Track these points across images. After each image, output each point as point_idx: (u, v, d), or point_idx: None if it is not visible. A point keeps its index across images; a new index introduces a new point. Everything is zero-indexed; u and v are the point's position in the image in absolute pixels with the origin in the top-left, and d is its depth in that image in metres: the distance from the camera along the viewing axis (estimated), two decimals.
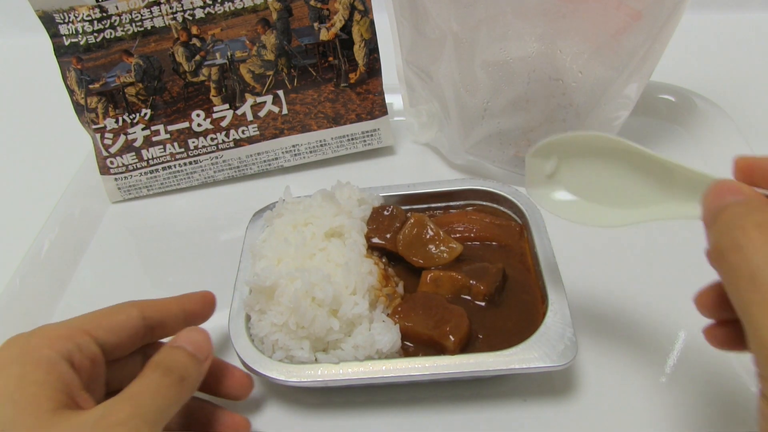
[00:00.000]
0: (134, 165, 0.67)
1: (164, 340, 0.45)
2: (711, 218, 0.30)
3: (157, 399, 0.35)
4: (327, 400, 0.47)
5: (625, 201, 0.38)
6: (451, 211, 0.57)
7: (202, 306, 0.46)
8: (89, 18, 0.59)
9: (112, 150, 0.65)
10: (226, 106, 0.65)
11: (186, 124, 0.65)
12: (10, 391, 0.33)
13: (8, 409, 0.33)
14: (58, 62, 0.61)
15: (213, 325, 0.45)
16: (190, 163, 0.68)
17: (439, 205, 0.57)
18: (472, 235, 0.52)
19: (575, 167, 0.40)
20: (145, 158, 0.66)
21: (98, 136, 0.64)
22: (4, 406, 0.33)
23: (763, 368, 0.27)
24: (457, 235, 0.52)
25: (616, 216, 0.39)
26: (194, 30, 0.62)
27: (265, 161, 0.69)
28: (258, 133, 0.67)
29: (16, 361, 0.35)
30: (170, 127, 0.65)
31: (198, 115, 0.65)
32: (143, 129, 0.65)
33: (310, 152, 0.70)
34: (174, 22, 0.61)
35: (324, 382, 0.43)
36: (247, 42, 0.63)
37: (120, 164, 0.66)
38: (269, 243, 0.49)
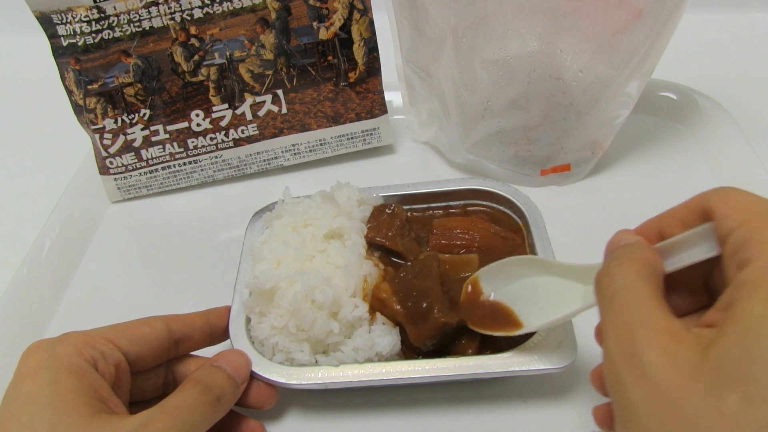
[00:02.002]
0: (134, 165, 0.66)
1: (195, 353, 0.46)
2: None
3: (193, 415, 0.37)
4: (327, 402, 0.47)
5: (556, 306, 0.41)
6: (452, 211, 0.57)
7: (226, 320, 0.46)
8: (87, 19, 0.59)
9: (112, 150, 0.65)
10: (226, 105, 0.65)
11: (185, 124, 0.65)
12: (46, 396, 0.34)
13: (46, 413, 0.34)
14: (57, 63, 0.61)
15: None
16: (190, 162, 0.68)
17: (438, 204, 0.57)
18: (475, 245, 0.52)
19: (509, 292, 0.44)
20: (145, 158, 0.66)
21: (97, 136, 0.64)
22: (43, 410, 0.34)
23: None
24: (459, 242, 0.52)
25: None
26: (193, 30, 0.61)
27: (264, 161, 0.69)
28: (257, 132, 0.67)
29: (47, 368, 0.36)
30: (169, 127, 0.65)
31: (197, 115, 0.65)
32: (142, 129, 0.65)
33: (310, 151, 0.70)
34: (172, 22, 0.61)
35: (324, 384, 0.43)
36: (246, 42, 0.63)
37: (119, 164, 0.66)
38: (269, 245, 0.49)
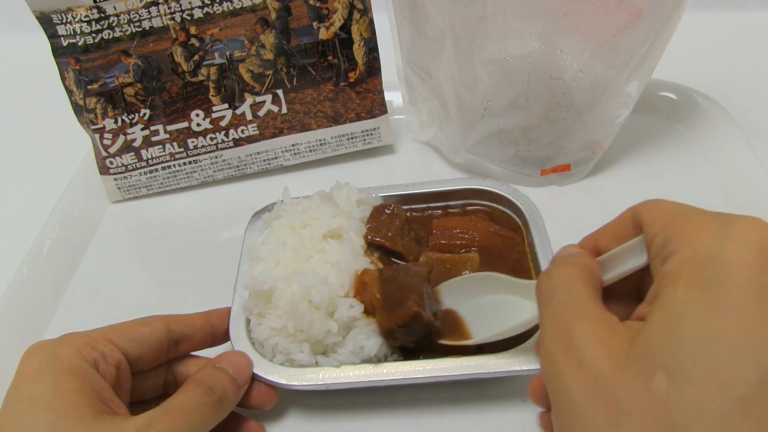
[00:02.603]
0: (134, 165, 0.66)
1: (196, 353, 0.46)
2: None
3: (195, 416, 0.37)
4: (328, 402, 0.47)
5: (505, 321, 0.43)
6: (451, 211, 0.57)
7: (227, 321, 0.46)
8: (87, 19, 0.59)
9: (112, 150, 0.65)
10: (226, 105, 0.65)
11: (185, 124, 0.65)
12: (48, 398, 0.34)
13: (48, 414, 0.34)
14: (57, 63, 0.61)
15: None
16: (190, 162, 0.68)
17: (437, 204, 0.57)
18: (475, 245, 0.52)
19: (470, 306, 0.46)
20: (145, 158, 0.66)
21: (97, 136, 0.64)
22: (44, 411, 0.34)
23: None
24: (459, 242, 0.52)
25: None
26: (193, 30, 0.61)
27: (264, 160, 0.69)
28: (257, 132, 0.67)
29: (48, 369, 0.36)
30: (169, 127, 0.65)
31: (197, 115, 0.65)
32: (142, 129, 0.65)
33: (310, 151, 0.70)
34: (172, 22, 0.61)
35: (326, 385, 0.43)
36: (246, 42, 0.63)
37: (119, 164, 0.66)
38: (267, 246, 0.49)
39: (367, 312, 0.45)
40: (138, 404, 0.42)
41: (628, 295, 0.34)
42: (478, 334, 0.44)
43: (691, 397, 0.23)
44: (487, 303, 0.45)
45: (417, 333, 0.43)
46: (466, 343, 0.43)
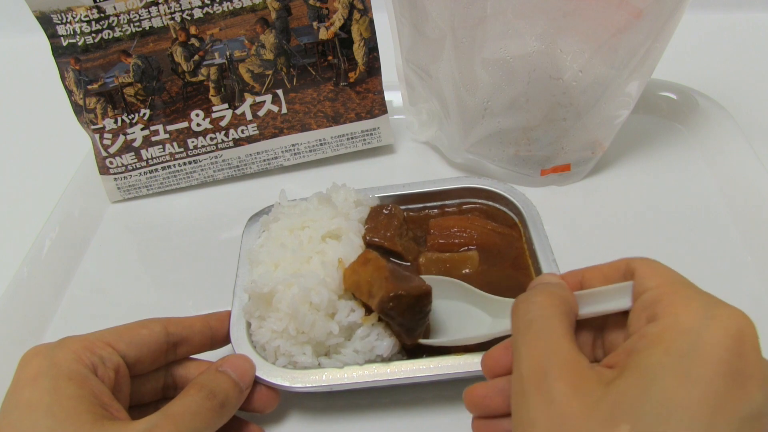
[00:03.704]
0: (133, 165, 0.66)
1: (196, 356, 0.46)
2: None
3: (196, 421, 0.37)
4: (330, 404, 0.47)
5: (460, 330, 0.46)
6: (448, 210, 0.57)
7: (227, 324, 0.46)
8: (87, 19, 0.59)
9: (112, 150, 0.65)
10: (226, 105, 0.65)
11: (185, 124, 0.65)
12: (47, 404, 0.34)
13: (48, 421, 0.34)
14: (57, 63, 0.61)
15: None
16: (190, 162, 0.68)
17: (434, 204, 0.57)
18: (473, 243, 0.52)
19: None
20: (145, 158, 0.66)
21: (97, 136, 0.64)
22: (43, 418, 0.34)
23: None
24: (457, 241, 0.52)
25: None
26: (193, 30, 0.61)
27: (264, 160, 0.69)
28: (257, 132, 0.67)
29: (46, 375, 0.36)
30: (169, 127, 0.65)
31: (197, 115, 0.65)
32: (142, 129, 0.65)
33: (310, 151, 0.70)
34: (172, 22, 0.61)
35: (329, 386, 0.43)
36: (246, 41, 0.63)
37: (119, 164, 0.66)
38: (266, 248, 0.49)
39: (361, 290, 0.44)
40: (137, 408, 0.42)
41: (587, 340, 0.35)
42: (434, 336, 0.45)
43: None
44: (448, 308, 0.46)
45: (418, 314, 0.43)
46: (425, 342, 0.44)
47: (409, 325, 0.43)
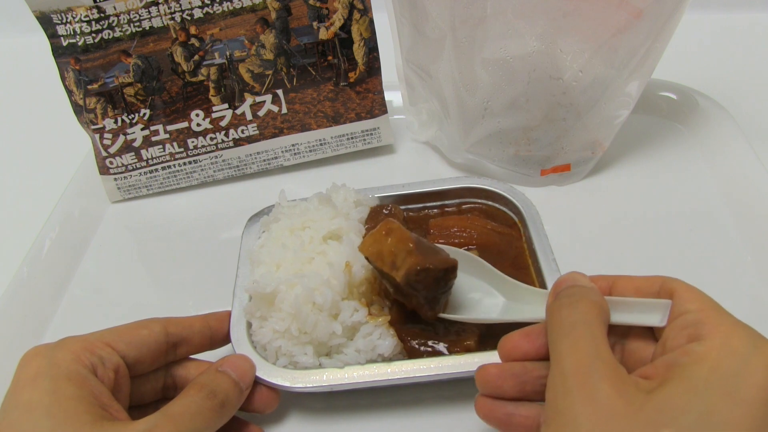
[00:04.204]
0: (134, 165, 0.66)
1: (195, 356, 0.45)
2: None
3: (197, 421, 0.37)
4: (331, 404, 0.47)
5: (472, 309, 0.46)
6: (447, 210, 0.57)
7: (227, 324, 0.46)
8: (87, 19, 0.59)
9: (112, 150, 0.65)
10: (226, 105, 0.65)
11: (185, 124, 0.65)
12: (46, 405, 0.34)
13: (47, 422, 0.34)
14: (57, 63, 0.61)
15: None
16: (190, 162, 0.68)
17: (434, 204, 0.57)
18: (473, 243, 0.52)
19: None
20: (145, 158, 0.66)
21: (97, 136, 0.64)
22: (43, 419, 0.34)
23: (546, 390, 0.32)
24: (457, 241, 0.52)
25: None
26: (193, 30, 0.61)
27: (264, 160, 0.69)
28: (257, 132, 0.67)
29: (46, 375, 0.36)
30: (169, 127, 0.65)
31: (197, 115, 0.65)
32: (142, 129, 0.65)
33: (310, 151, 0.70)
34: (172, 22, 0.61)
35: (330, 386, 0.42)
36: (246, 41, 0.63)
37: (119, 164, 0.66)
38: (267, 248, 0.49)
39: (383, 261, 0.43)
40: (137, 408, 0.42)
41: (615, 330, 0.36)
42: (451, 312, 0.45)
43: None
44: (464, 283, 0.46)
45: (443, 287, 0.43)
46: (445, 316, 0.44)
47: (432, 296, 0.43)
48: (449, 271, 0.42)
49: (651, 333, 0.35)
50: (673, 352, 0.31)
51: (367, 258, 0.45)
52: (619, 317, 0.35)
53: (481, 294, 0.46)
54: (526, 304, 0.44)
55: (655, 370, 0.31)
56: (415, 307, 0.44)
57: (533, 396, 0.36)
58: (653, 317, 0.34)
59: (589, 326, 0.33)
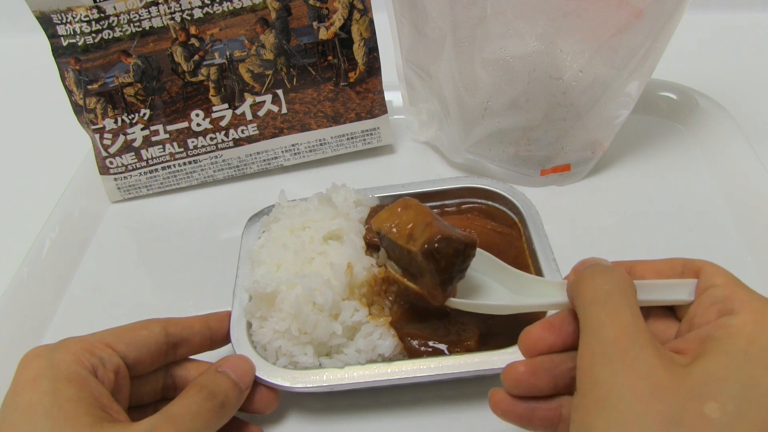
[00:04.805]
0: (134, 165, 0.66)
1: (195, 357, 0.45)
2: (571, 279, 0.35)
3: (196, 422, 0.37)
4: (331, 404, 0.47)
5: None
6: (447, 210, 0.57)
7: (227, 324, 0.46)
8: (87, 19, 0.59)
9: (112, 150, 0.65)
10: (226, 105, 0.65)
11: (185, 124, 0.65)
12: (46, 407, 0.34)
13: (47, 423, 0.34)
14: (57, 63, 0.61)
15: None
16: (190, 162, 0.68)
17: (433, 204, 0.57)
18: None
19: None
20: (145, 158, 0.66)
21: (97, 136, 0.64)
22: (43, 420, 0.34)
23: (578, 360, 0.30)
24: None
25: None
26: (193, 30, 0.61)
27: (264, 160, 0.69)
28: (257, 132, 0.67)
29: (45, 377, 0.36)
30: (169, 127, 0.65)
31: (197, 115, 0.65)
32: (142, 129, 0.65)
33: (310, 151, 0.70)
34: (172, 22, 0.61)
35: (330, 386, 0.42)
36: (246, 41, 0.63)
37: (119, 164, 0.66)
38: (267, 248, 0.49)
39: (400, 233, 0.41)
40: (136, 409, 0.42)
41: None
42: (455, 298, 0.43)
43: (735, 428, 0.26)
44: (468, 277, 0.44)
45: (461, 264, 0.41)
46: (456, 301, 0.42)
47: (448, 276, 0.41)
48: (469, 246, 0.40)
49: (672, 314, 0.35)
50: (703, 327, 0.31)
51: (377, 232, 0.43)
52: (646, 296, 0.34)
53: (486, 287, 0.44)
54: (536, 296, 0.41)
55: (687, 344, 0.30)
56: (425, 289, 0.42)
57: (564, 390, 0.34)
58: (680, 294, 0.34)
59: (625, 296, 0.32)
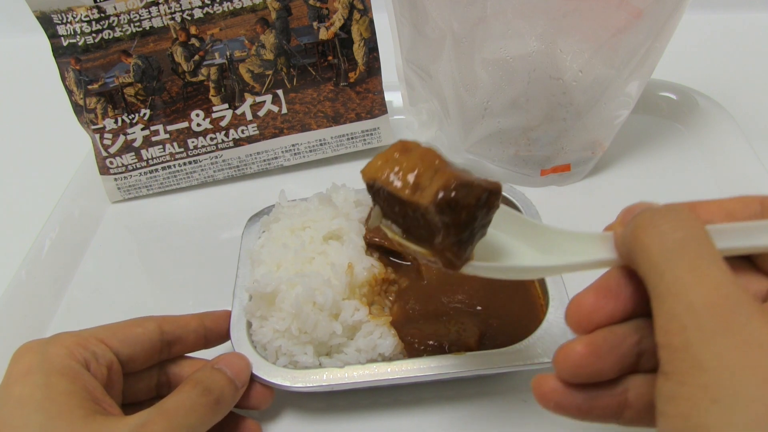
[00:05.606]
0: (134, 165, 0.66)
1: (190, 355, 0.45)
2: (626, 224, 0.29)
3: (191, 417, 0.37)
4: (331, 404, 0.47)
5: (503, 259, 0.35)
6: None
7: (222, 324, 0.46)
8: (87, 19, 0.59)
9: (112, 150, 0.65)
10: (226, 105, 0.65)
11: (185, 124, 0.65)
12: (38, 400, 0.34)
13: (39, 416, 0.33)
14: (57, 63, 0.61)
15: None
16: (190, 162, 0.68)
17: None
18: None
19: None
20: (145, 158, 0.66)
21: (97, 136, 0.64)
22: (35, 413, 0.33)
23: (659, 335, 0.24)
24: None
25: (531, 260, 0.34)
26: (193, 30, 0.61)
27: (264, 160, 0.69)
28: (257, 132, 0.67)
29: (38, 370, 0.35)
30: (169, 127, 0.65)
31: (197, 115, 0.65)
32: (142, 129, 0.65)
33: (310, 151, 0.70)
34: (172, 22, 0.61)
35: (330, 386, 0.42)
36: (246, 41, 0.63)
37: (119, 164, 0.66)
38: (267, 248, 0.49)
39: (399, 183, 0.32)
40: (130, 406, 0.42)
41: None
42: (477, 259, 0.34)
43: None
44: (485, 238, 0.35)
45: (483, 218, 0.32)
46: (478, 265, 0.33)
47: (468, 232, 0.32)
48: (493, 194, 0.31)
49: (749, 264, 0.29)
50: None
51: (370, 185, 0.33)
52: (726, 244, 0.27)
53: (506, 248, 0.35)
54: (572, 255, 0.32)
55: None
56: (437, 252, 0.32)
57: (629, 370, 0.28)
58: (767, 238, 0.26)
59: (705, 245, 0.25)
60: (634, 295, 0.28)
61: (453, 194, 0.30)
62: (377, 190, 0.34)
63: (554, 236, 0.33)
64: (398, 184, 0.32)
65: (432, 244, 0.32)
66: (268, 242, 0.50)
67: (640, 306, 0.28)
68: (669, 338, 0.24)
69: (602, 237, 0.31)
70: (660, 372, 0.24)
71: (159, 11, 0.60)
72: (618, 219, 0.30)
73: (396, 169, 0.32)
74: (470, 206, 0.31)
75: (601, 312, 0.28)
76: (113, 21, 0.60)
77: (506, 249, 0.34)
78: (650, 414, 0.26)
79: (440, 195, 0.30)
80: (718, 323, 0.22)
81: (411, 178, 0.32)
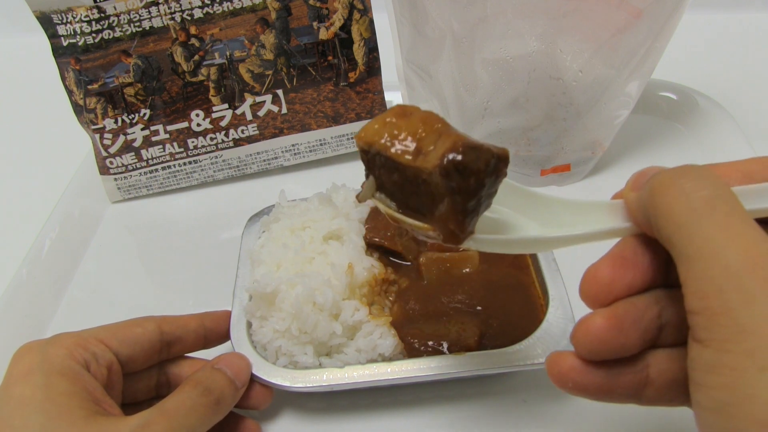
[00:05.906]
0: (134, 165, 0.66)
1: (190, 355, 0.46)
2: (641, 187, 0.28)
3: (191, 417, 0.37)
4: (331, 404, 0.47)
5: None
6: None
7: (222, 324, 0.46)
8: (87, 19, 0.59)
9: (112, 150, 0.65)
10: (226, 105, 0.65)
11: (185, 124, 0.65)
12: (39, 400, 0.34)
13: (40, 417, 0.33)
14: (57, 63, 0.61)
15: None
16: (190, 162, 0.68)
17: None
18: None
19: None
20: (145, 158, 0.66)
21: (97, 136, 0.64)
22: (36, 414, 0.33)
23: (693, 301, 0.22)
24: None
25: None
26: (193, 30, 0.61)
27: (264, 160, 0.69)
28: (257, 132, 0.67)
29: (38, 371, 0.36)
30: (169, 127, 0.65)
31: (197, 115, 0.65)
32: (142, 129, 0.65)
33: (310, 151, 0.70)
34: (172, 22, 0.61)
35: (330, 386, 0.42)
36: (246, 42, 0.63)
37: (119, 164, 0.66)
38: (267, 248, 0.49)
39: (399, 147, 0.29)
40: (130, 406, 0.42)
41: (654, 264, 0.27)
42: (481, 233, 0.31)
43: None
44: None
45: (491, 186, 0.29)
46: (483, 238, 0.30)
47: (475, 200, 0.29)
48: (501, 160, 0.29)
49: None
50: None
51: (365, 150, 0.30)
52: (751, 205, 0.24)
53: (507, 223, 0.32)
54: (581, 226, 0.31)
55: None
56: (438, 225, 0.29)
57: (650, 344, 0.26)
58: None
59: (732, 202, 0.23)
60: (651, 264, 0.26)
61: (461, 157, 0.27)
62: (373, 157, 0.30)
63: (559, 207, 0.31)
64: (399, 148, 0.29)
65: (432, 216, 0.30)
66: (268, 242, 0.50)
67: (659, 276, 0.26)
68: (705, 303, 0.22)
69: (611, 205, 0.29)
70: (694, 340, 0.22)
71: (159, 11, 0.60)
72: (628, 184, 0.28)
73: (395, 132, 0.29)
74: (479, 171, 0.28)
75: (619, 283, 0.26)
76: (113, 21, 0.60)
77: (508, 223, 0.32)
78: (672, 391, 0.25)
79: (448, 158, 0.27)
80: (760, 284, 0.21)
81: (413, 141, 0.29)
